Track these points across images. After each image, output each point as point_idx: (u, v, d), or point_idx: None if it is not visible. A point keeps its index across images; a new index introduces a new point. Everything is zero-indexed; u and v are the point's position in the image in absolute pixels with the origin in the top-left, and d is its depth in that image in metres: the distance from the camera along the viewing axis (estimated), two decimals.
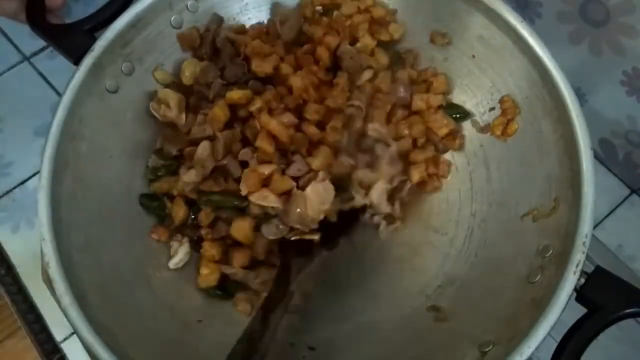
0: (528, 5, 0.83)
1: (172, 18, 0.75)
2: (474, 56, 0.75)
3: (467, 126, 0.77)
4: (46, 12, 0.75)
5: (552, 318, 0.55)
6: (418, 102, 0.76)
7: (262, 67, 0.74)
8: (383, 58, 0.77)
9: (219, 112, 0.71)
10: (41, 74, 0.97)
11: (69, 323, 0.58)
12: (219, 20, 0.78)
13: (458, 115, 0.76)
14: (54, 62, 0.95)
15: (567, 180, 0.63)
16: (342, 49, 0.76)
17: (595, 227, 0.59)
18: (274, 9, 0.81)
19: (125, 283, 0.67)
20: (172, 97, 0.74)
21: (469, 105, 0.77)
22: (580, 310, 0.57)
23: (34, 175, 0.90)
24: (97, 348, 0.57)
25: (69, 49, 0.71)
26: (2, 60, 0.98)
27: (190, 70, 0.77)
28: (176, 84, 0.77)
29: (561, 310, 0.55)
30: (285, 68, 0.74)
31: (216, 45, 0.78)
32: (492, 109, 0.74)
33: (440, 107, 0.76)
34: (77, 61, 0.70)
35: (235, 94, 0.72)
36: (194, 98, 0.76)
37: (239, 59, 0.76)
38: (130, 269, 0.68)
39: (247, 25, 0.80)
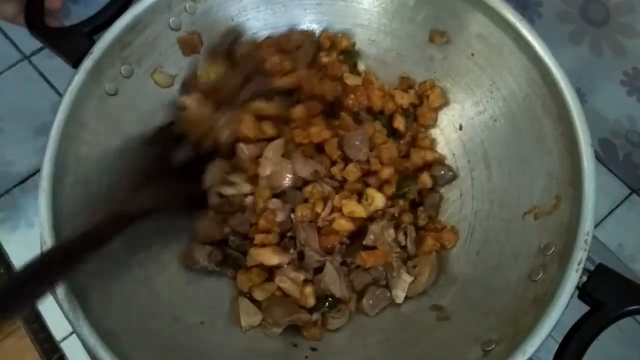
0: (528, 5, 0.83)
1: (171, 20, 0.75)
2: (473, 55, 0.74)
3: (468, 124, 0.77)
4: (45, 14, 0.75)
5: (555, 316, 0.55)
6: (415, 159, 0.76)
7: (284, 82, 0.75)
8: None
9: (249, 127, 0.72)
10: (41, 73, 0.97)
11: (71, 326, 0.58)
12: (235, 34, 0.79)
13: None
14: (54, 61, 0.93)
15: (568, 178, 0.63)
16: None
17: (595, 227, 0.59)
18: (290, 31, 0.81)
19: (126, 285, 0.66)
20: (191, 101, 0.75)
21: (468, 104, 0.76)
22: (580, 311, 0.57)
23: (34, 174, 0.90)
24: (99, 351, 0.57)
25: (68, 52, 0.72)
26: (2, 59, 0.98)
27: (205, 77, 0.77)
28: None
29: (564, 307, 0.55)
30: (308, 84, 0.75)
31: (234, 59, 0.78)
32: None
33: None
34: (75, 64, 0.70)
35: (262, 104, 0.73)
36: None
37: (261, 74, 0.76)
38: (132, 270, 0.68)
39: (247, 27, 0.80)
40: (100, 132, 0.71)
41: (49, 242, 0.61)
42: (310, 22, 0.81)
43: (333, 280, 0.69)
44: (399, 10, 0.78)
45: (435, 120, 0.78)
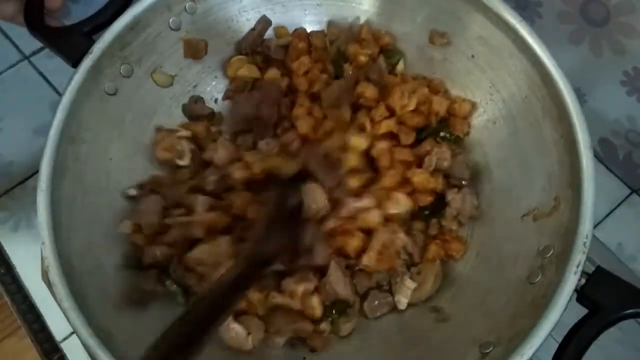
0: (528, 5, 0.83)
1: (171, 20, 0.75)
2: (473, 56, 0.74)
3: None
4: (45, 14, 0.75)
5: (553, 318, 0.55)
6: None
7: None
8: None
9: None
10: (41, 73, 0.97)
11: (70, 325, 0.58)
12: (266, 22, 0.80)
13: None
14: (54, 62, 0.93)
15: (567, 180, 0.63)
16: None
17: (595, 227, 0.59)
18: (329, 25, 0.81)
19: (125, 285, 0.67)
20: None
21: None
22: (580, 311, 0.57)
23: (34, 174, 0.89)
24: (98, 351, 0.57)
25: (68, 51, 0.71)
26: (2, 60, 0.99)
27: (236, 66, 0.79)
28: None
29: (562, 310, 0.55)
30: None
31: (266, 51, 0.80)
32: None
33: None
34: (75, 64, 0.70)
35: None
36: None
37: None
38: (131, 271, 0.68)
39: (247, 27, 0.80)
40: (99, 131, 0.71)
41: (47, 243, 0.61)
42: (310, 23, 0.81)
43: (338, 280, 0.69)
44: (399, 11, 0.78)
45: (467, 131, 0.76)
